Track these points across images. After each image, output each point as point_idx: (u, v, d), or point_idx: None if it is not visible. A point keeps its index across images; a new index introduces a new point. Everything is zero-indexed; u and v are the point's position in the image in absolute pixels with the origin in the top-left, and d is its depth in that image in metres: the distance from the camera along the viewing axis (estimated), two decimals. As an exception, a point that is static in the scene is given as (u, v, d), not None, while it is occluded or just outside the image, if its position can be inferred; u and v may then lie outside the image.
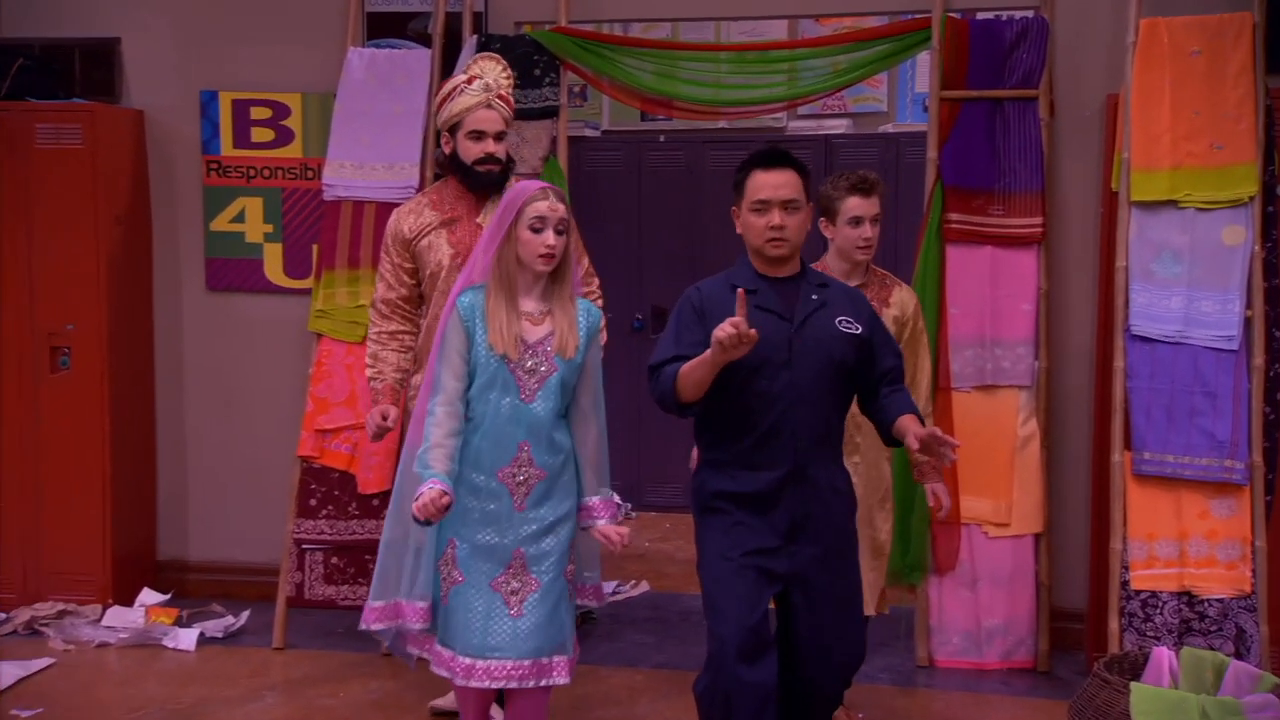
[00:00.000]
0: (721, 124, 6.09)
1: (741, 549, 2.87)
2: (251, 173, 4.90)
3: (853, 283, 3.52)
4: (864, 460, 3.57)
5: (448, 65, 4.69)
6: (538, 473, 2.96)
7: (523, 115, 4.58)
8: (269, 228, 4.91)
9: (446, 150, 3.54)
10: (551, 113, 4.65)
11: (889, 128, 6.26)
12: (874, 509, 3.60)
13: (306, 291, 4.82)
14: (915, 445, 2.75)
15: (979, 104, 4.34)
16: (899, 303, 3.61)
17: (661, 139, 6.35)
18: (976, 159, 4.34)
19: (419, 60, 4.72)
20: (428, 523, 2.85)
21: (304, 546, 4.49)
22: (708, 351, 2.76)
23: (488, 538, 2.95)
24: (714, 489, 2.92)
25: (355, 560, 4.48)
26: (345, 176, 4.65)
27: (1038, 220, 4.31)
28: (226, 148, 4.90)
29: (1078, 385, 4.46)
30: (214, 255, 4.96)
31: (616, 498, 3.12)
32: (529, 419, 2.94)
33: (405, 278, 3.57)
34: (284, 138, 4.89)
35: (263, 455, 4.95)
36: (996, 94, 4.34)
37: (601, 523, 3.03)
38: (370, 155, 4.66)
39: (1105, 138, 4.32)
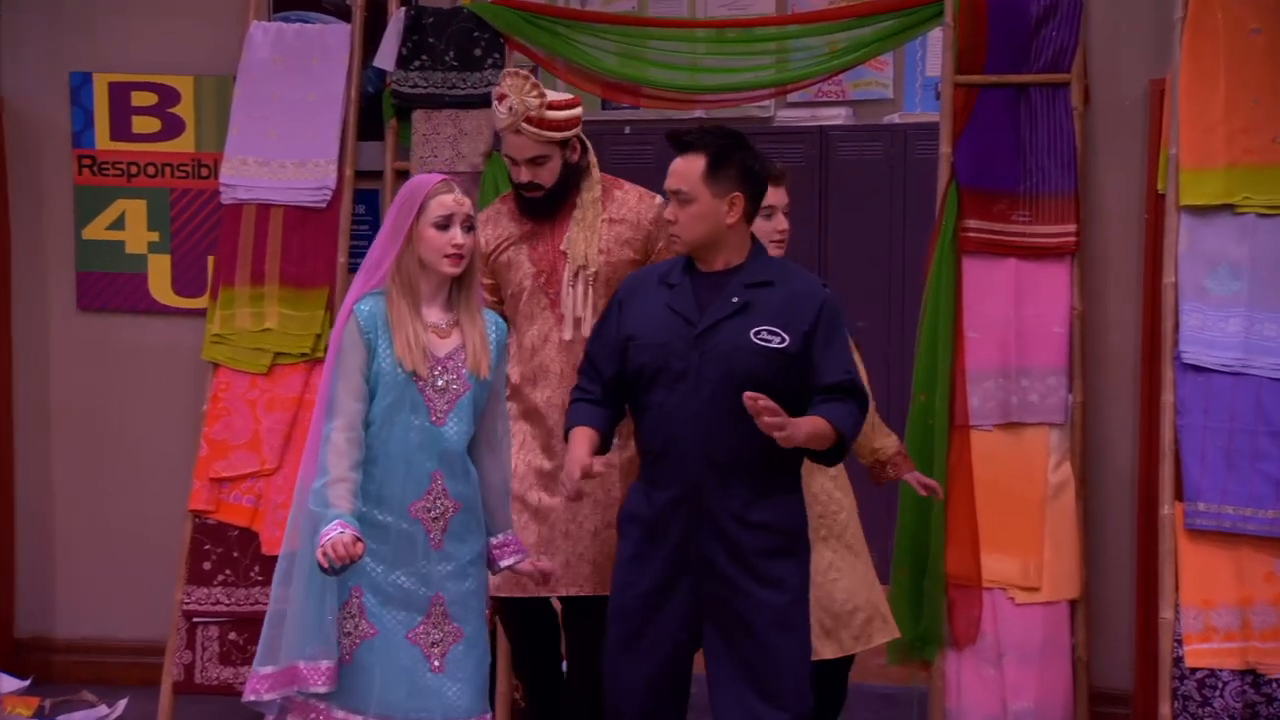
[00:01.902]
0: (698, 113, 6.05)
1: (635, 589, 3.08)
2: (133, 170, 4.88)
3: None
4: (838, 480, 3.63)
5: (371, 43, 4.68)
6: (453, 504, 3.01)
7: (460, 104, 4.60)
8: (154, 236, 4.89)
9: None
10: None
11: (895, 118, 6.22)
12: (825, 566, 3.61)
13: (200, 312, 4.78)
14: (752, 406, 2.87)
15: (1000, 90, 4.34)
16: None
17: (627, 130, 6.31)
18: (997, 155, 4.34)
19: (336, 37, 4.71)
20: (335, 571, 2.83)
21: (195, 620, 4.46)
22: (572, 455, 3.05)
23: (401, 582, 2.99)
24: (626, 509, 3.15)
25: (258, 636, 4.38)
26: (247, 175, 4.63)
27: (1070, 228, 4.30)
28: (102, 140, 4.87)
29: (1119, 423, 4.46)
30: (87, 269, 4.92)
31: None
32: (441, 444, 2.99)
33: (487, 296, 3.58)
34: (172, 128, 4.86)
35: (146, 510, 4.91)
36: (1021, 79, 4.34)
37: (516, 560, 3.14)
38: (278, 150, 4.65)
39: (1149, 131, 4.35)
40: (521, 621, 3.65)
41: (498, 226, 3.67)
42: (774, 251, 3.59)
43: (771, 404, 2.89)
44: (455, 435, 3.01)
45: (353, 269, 4.70)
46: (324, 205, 4.65)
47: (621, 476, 3.49)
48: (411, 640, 2.98)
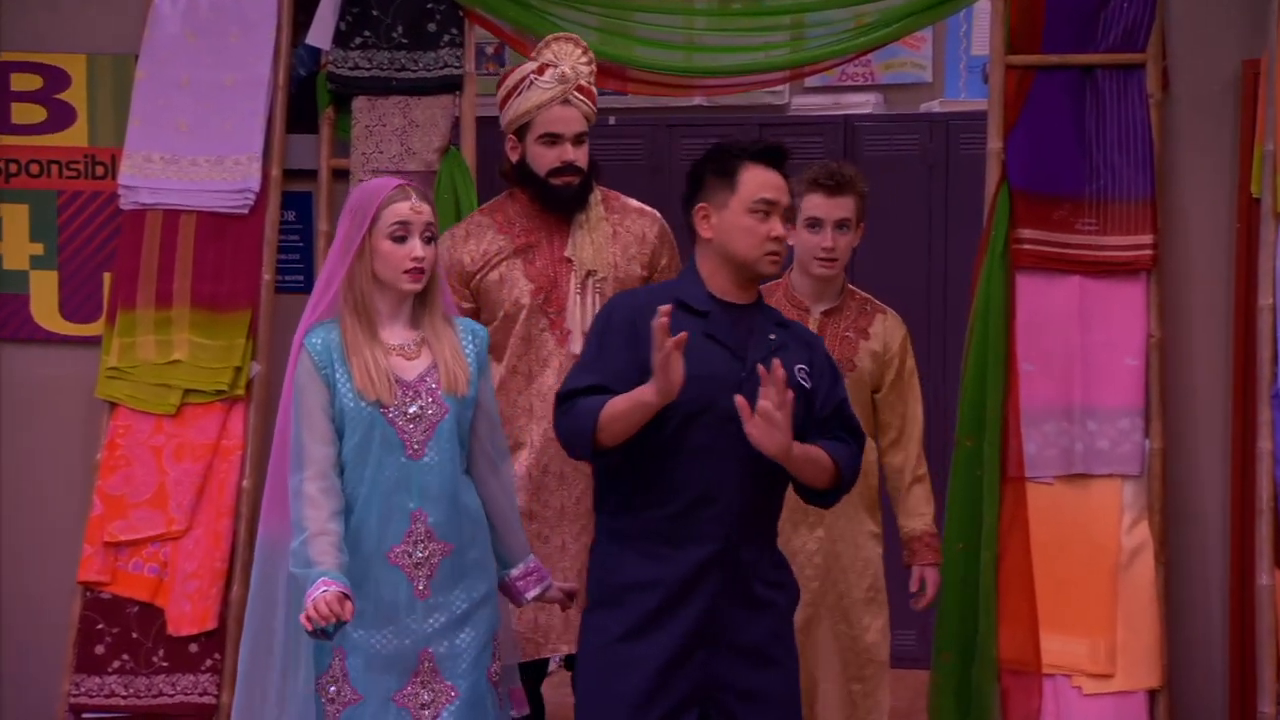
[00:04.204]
0: (697, 101, 6.10)
1: (645, 669, 3.09)
2: (12, 169, 4.86)
3: (822, 306, 3.85)
4: (831, 534, 3.76)
5: (304, 15, 4.68)
6: (441, 547, 3.13)
7: (411, 89, 4.63)
8: (37, 248, 4.85)
9: (514, 157, 3.81)
10: (452, 85, 4.67)
11: (934, 105, 6.26)
12: (855, 605, 3.81)
13: (95, 340, 4.76)
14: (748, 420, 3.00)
15: (1060, 73, 4.35)
16: (880, 334, 3.85)
17: (611, 121, 6.29)
18: (1057, 152, 4.35)
19: (260, 8, 4.70)
20: (324, 634, 2.93)
21: (85, 716, 4.41)
22: (644, 388, 3.00)
23: (384, 640, 3.11)
24: (624, 579, 3.15)
25: (161, 735, 4.42)
26: (153, 175, 4.64)
27: (1145, 239, 4.30)
28: (-27, 132, 4.85)
29: (1206, 474, 4.44)
30: (-45, 288, 4.90)
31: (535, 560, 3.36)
32: (421, 479, 3.12)
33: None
34: (61, 118, 4.83)
35: (25, 582, 4.85)
36: (1086, 59, 4.35)
37: (543, 589, 3.29)
38: (190, 145, 4.66)
39: (1240, 123, 4.34)
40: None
41: (482, 241, 3.78)
42: (817, 272, 3.82)
43: (783, 392, 3.00)
44: (437, 466, 3.12)
45: (281, 287, 4.74)
46: (245, 211, 4.66)
47: None
48: (400, 703, 3.10)
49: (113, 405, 4.58)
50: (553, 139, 3.73)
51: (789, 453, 3.03)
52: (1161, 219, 4.34)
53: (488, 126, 5.47)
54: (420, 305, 3.18)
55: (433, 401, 3.13)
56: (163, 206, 4.63)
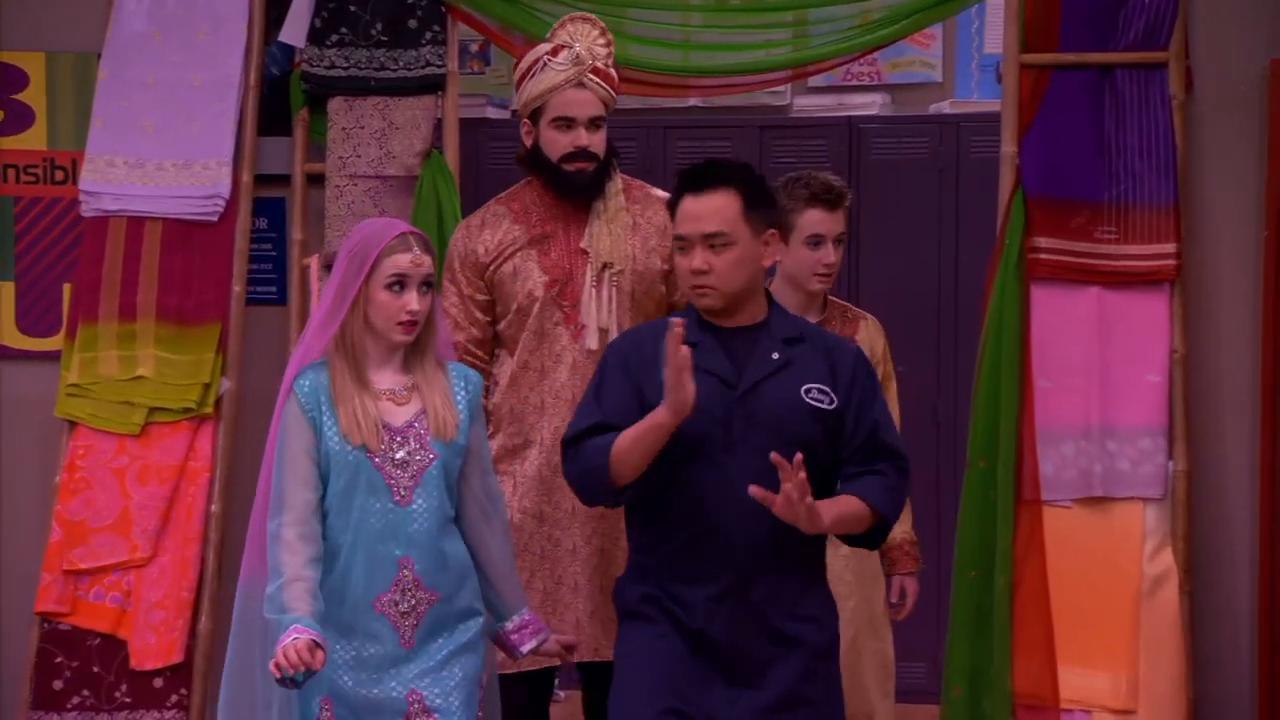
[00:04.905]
0: (692, 102, 6.10)
1: (666, 655, 3.15)
2: (-34, 174, 4.84)
3: (808, 318, 3.85)
4: (856, 553, 3.77)
5: (277, 12, 4.70)
6: (427, 596, 3.21)
7: (391, 89, 4.62)
8: (-8, 258, 4.80)
9: (528, 142, 3.83)
10: (434, 85, 4.67)
11: (944, 106, 6.28)
12: (878, 618, 3.92)
13: (54, 356, 4.76)
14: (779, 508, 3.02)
15: (1078, 73, 4.36)
16: (866, 341, 3.90)
17: (602, 123, 6.31)
18: (1074, 155, 4.36)
19: (230, 3, 4.69)
20: (293, 682, 3.00)
21: (43, 755, 4.40)
22: (657, 410, 3.06)
23: (371, 691, 3.18)
24: (640, 592, 3.23)
25: (123, 776, 4.44)
26: (116, 180, 4.64)
27: (1168, 248, 4.30)
28: (-76, 135, 4.84)
29: (1234, 497, 4.44)
30: (-96, 300, 4.87)
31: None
32: (407, 526, 3.19)
33: (478, 314, 3.82)
34: (18, 120, 4.84)
35: (-15, 612, 4.81)
36: (1104, 58, 4.36)
37: (539, 642, 3.35)
38: (155, 149, 4.66)
39: (1270, 124, 4.35)
40: (524, 693, 3.73)
41: (498, 231, 3.82)
42: (816, 288, 3.86)
43: (803, 482, 3.01)
44: (425, 514, 3.20)
45: (252, 299, 4.73)
46: (215, 218, 4.66)
47: None
48: None
49: (73, 424, 4.57)
50: (566, 123, 3.75)
51: (821, 528, 3.06)
52: (1185, 226, 4.33)
53: (471, 129, 5.50)
54: (413, 350, 3.25)
55: (420, 447, 3.21)
56: (126, 214, 4.62)
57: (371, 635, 3.18)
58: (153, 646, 4.43)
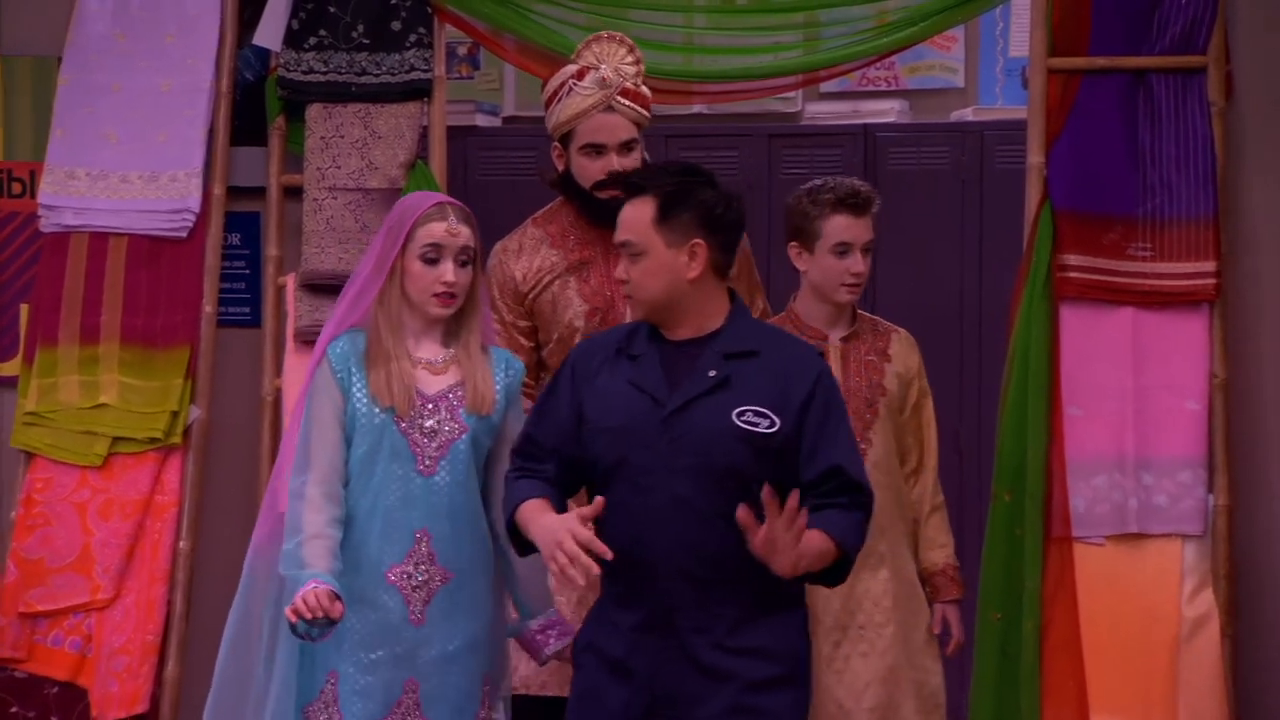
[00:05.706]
0: (696, 108, 6.08)
1: None
2: (-84, 188, 4.88)
3: (837, 333, 3.92)
4: (896, 577, 3.83)
5: (251, 13, 4.73)
6: (440, 573, 3.34)
7: (373, 96, 4.65)
8: (-57, 277, 4.81)
9: (559, 166, 3.95)
10: (420, 91, 4.70)
11: (967, 114, 6.26)
12: (918, 649, 3.90)
13: (10, 382, 4.81)
14: (757, 544, 3.05)
15: (1110, 78, 4.37)
16: (900, 355, 3.95)
17: (600, 131, 6.31)
18: (1106, 166, 4.37)
19: (200, 4, 4.73)
20: (308, 634, 3.13)
21: (-4, 813, 4.43)
22: (548, 524, 3.11)
23: (374, 663, 3.31)
24: (582, 639, 3.31)
25: (82, 833, 4.46)
26: (77, 193, 4.68)
27: (1208, 266, 4.30)
28: None
29: (1279, 534, 4.42)
30: None
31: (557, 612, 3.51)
32: (429, 497, 3.33)
33: (523, 340, 3.94)
34: (-29, 129, 4.79)
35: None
36: (1138, 63, 4.36)
37: (565, 643, 3.41)
38: (120, 160, 4.70)
39: (1316, 133, 4.30)
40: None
41: (535, 257, 3.94)
42: (844, 299, 3.88)
43: (801, 527, 3.04)
44: (449, 486, 3.34)
45: (223, 320, 4.72)
46: (184, 234, 4.68)
47: None
48: None
49: (30, 456, 4.59)
50: (596, 150, 3.85)
51: (798, 573, 3.10)
52: (1225, 243, 4.33)
53: (459, 137, 5.49)
54: (455, 326, 3.40)
55: (451, 418, 3.35)
56: (89, 229, 4.65)
57: (380, 606, 3.30)
58: (115, 695, 4.45)
